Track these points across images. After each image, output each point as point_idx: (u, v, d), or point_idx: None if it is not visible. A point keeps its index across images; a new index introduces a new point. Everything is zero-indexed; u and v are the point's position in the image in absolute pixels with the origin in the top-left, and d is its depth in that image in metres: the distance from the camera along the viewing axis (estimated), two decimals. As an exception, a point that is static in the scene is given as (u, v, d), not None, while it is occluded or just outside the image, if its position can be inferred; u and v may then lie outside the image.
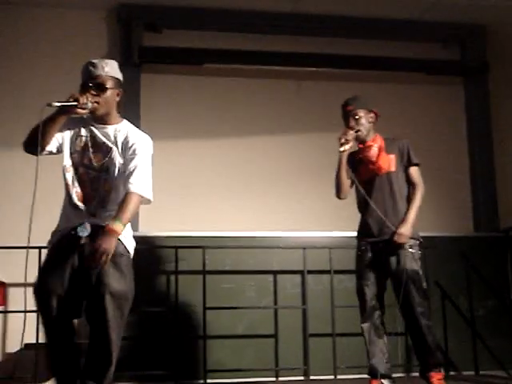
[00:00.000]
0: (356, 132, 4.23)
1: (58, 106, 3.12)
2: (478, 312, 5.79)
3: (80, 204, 3.27)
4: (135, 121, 5.94)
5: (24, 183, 5.79)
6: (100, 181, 3.27)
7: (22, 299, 5.34)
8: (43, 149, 3.27)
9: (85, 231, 3.19)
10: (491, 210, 6.42)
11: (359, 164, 4.34)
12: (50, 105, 3.09)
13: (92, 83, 3.25)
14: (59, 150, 3.36)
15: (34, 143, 3.20)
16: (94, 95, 3.22)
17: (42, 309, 3.16)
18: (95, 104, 3.21)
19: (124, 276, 3.18)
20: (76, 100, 3.11)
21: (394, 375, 5.47)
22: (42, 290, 3.18)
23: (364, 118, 4.29)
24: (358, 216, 6.11)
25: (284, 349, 5.51)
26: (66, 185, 3.34)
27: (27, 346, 5.26)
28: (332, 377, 5.45)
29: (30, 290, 5.21)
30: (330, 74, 6.54)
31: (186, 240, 5.43)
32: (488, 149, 6.57)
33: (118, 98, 3.37)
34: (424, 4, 6.19)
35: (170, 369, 5.21)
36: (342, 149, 4.18)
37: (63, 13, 6.12)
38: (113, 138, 3.32)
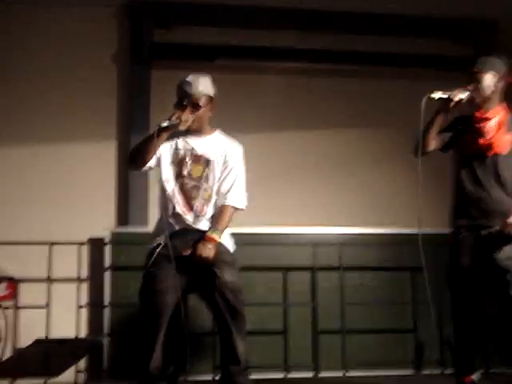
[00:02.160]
0: (467, 92, 3.70)
1: (167, 126, 3.40)
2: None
3: (181, 213, 3.54)
4: (145, 117, 5.99)
5: (35, 179, 5.87)
6: (200, 190, 3.56)
7: (33, 294, 5.43)
8: (145, 164, 3.56)
9: (186, 238, 3.50)
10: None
11: (468, 133, 3.82)
12: (159, 126, 3.40)
13: (188, 102, 3.52)
14: (157, 165, 3.62)
15: (138, 160, 3.53)
16: (190, 113, 3.51)
17: (153, 306, 3.40)
18: (190, 120, 3.51)
19: (232, 269, 3.52)
20: (179, 118, 3.43)
21: (404, 372, 5.51)
22: (153, 289, 3.41)
23: (487, 82, 3.76)
24: (368, 212, 6.19)
25: (293, 345, 5.52)
26: (167, 195, 3.57)
27: (38, 341, 5.31)
28: (341, 373, 5.45)
29: (42, 285, 5.31)
30: (341, 71, 6.51)
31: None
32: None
33: (210, 114, 3.65)
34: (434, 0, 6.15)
35: (179, 364, 5.21)
36: (432, 95, 3.72)
37: (73, 9, 6.11)
38: (209, 149, 3.61)
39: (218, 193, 3.60)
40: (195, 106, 3.53)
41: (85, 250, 5.62)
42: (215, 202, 3.59)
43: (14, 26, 6.08)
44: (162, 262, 3.44)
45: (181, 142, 3.62)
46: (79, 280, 5.32)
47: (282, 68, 6.40)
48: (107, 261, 5.49)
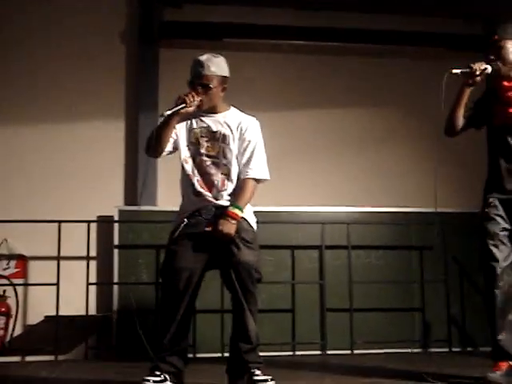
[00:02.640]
0: (490, 63, 3.58)
1: (171, 113, 3.42)
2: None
3: (202, 190, 3.53)
4: (153, 96, 5.99)
5: (45, 158, 5.89)
6: (219, 167, 3.55)
7: (42, 272, 5.47)
8: (162, 151, 3.59)
9: (209, 213, 3.50)
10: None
11: (497, 105, 3.68)
12: (162, 115, 3.44)
13: (197, 83, 3.52)
14: (175, 148, 3.63)
15: (155, 149, 3.57)
16: (199, 93, 3.49)
17: (173, 283, 3.40)
18: (200, 102, 3.49)
19: (251, 248, 3.45)
20: (184, 101, 3.42)
21: (412, 350, 5.54)
22: (174, 267, 3.41)
23: (509, 50, 3.65)
24: (376, 191, 6.19)
25: (301, 323, 5.56)
26: (187, 175, 3.57)
27: (47, 318, 5.35)
28: (349, 352, 5.49)
29: (51, 263, 5.35)
30: (353, 49, 6.49)
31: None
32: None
33: (222, 93, 3.61)
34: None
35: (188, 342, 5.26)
36: (453, 71, 3.57)
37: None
38: (224, 125, 3.61)
39: (237, 167, 3.59)
40: (205, 87, 3.52)
41: (94, 227, 5.65)
42: (236, 177, 3.58)
43: (28, 5, 6.08)
44: (183, 240, 3.46)
45: (195, 122, 3.62)
46: (88, 258, 5.34)
47: (290, 46, 6.37)
48: (116, 239, 5.52)
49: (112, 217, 5.57)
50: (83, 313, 5.27)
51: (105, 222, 5.70)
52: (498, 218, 3.63)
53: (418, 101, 6.46)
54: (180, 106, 3.41)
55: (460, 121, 3.73)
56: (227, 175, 3.56)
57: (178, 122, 3.57)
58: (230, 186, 3.56)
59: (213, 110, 3.61)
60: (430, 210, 5.81)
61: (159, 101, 6.03)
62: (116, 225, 5.54)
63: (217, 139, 3.58)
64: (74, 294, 5.31)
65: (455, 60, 6.32)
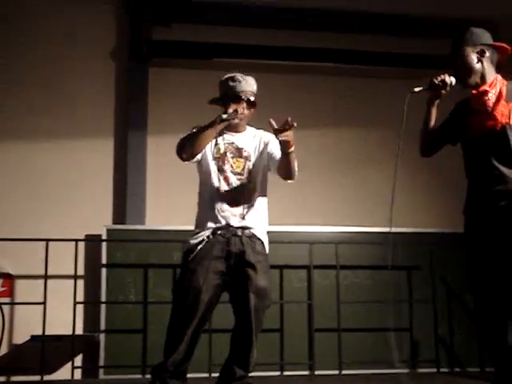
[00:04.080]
0: (449, 77, 3.46)
1: (227, 118, 3.41)
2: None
3: (227, 207, 3.48)
4: (143, 115, 5.99)
5: (33, 175, 5.87)
6: (243, 184, 3.53)
7: (29, 291, 5.43)
8: (197, 155, 3.52)
9: (229, 232, 3.45)
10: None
11: (471, 116, 3.50)
12: (220, 117, 3.40)
13: (245, 98, 3.56)
14: (201, 160, 3.57)
15: (192, 150, 3.48)
16: (244, 107, 3.53)
17: (185, 303, 3.35)
18: (243, 116, 3.53)
19: (265, 273, 3.44)
20: (236, 111, 3.44)
21: (399, 371, 5.52)
22: (188, 286, 3.36)
23: (468, 58, 3.47)
24: (364, 211, 6.20)
25: (289, 343, 5.54)
26: (212, 190, 3.52)
27: (34, 338, 5.31)
28: (337, 372, 5.47)
29: (38, 282, 5.31)
30: (340, 70, 6.52)
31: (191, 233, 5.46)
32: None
33: (253, 112, 3.67)
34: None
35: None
36: (415, 89, 3.52)
37: (73, 5, 6.12)
38: (248, 143, 3.62)
39: (260, 185, 3.61)
40: (251, 103, 3.57)
41: (81, 246, 5.62)
42: (259, 194, 3.59)
43: (13, 22, 6.09)
44: (200, 259, 3.39)
45: (220, 138, 3.58)
46: (76, 277, 5.31)
47: (278, 66, 6.40)
48: (104, 257, 5.49)
49: (100, 235, 5.55)
50: (70, 332, 5.23)
51: (93, 241, 5.68)
52: (479, 233, 3.44)
53: (411, 122, 6.47)
54: (234, 113, 3.42)
55: (433, 138, 3.67)
56: (252, 191, 3.54)
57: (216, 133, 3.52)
58: (253, 204, 3.54)
59: (237, 129, 3.62)
60: (418, 229, 5.87)
61: (148, 120, 6.04)
62: (104, 244, 5.52)
63: (242, 156, 3.57)
64: (61, 313, 5.27)
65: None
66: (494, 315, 3.40)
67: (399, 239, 5.81)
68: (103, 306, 5.40)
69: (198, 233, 3.49)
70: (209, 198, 3.51)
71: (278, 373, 5.47)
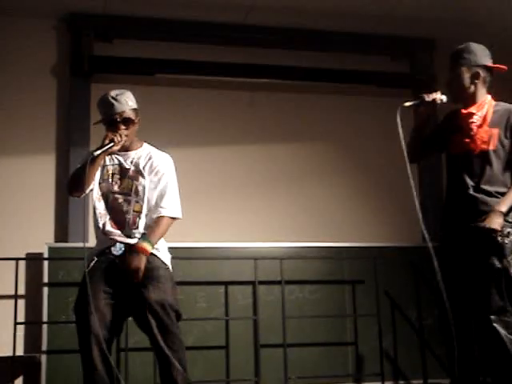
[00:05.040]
0: (441, 95, 3.56)
1: (101, 153, 3.37)
2: (426, 321, 5.87)
3: (113, 229, 3.46)
4: (85, 131, 5.92)
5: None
6: (130, 204, 3.49)
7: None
8: (84, 192, 3.50)
9: (119, 250, 3.43)
10: (439, 220, 6.50)
11: (454, 133, 3.62)
12: (93, 155, 3.37)
13: (120, 119, 3.49)
14: (93, 187, 3.55)
15: (79, 187, 3.45)
16: (123, 129, 3.48)
17: (83, 327, 3.30)
18: (125, 138, 3.47)
19: (162, 286, 3.37)
20: (112, 140, 3.38)
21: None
22: (83, 309, 3.30)
23: (463, 77, 3.57)
24: (308, 226, 6.23)
25: (235, 360, 5.51)
26: (98, 214, 3.52)
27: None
28: (283, 387, 5.47)
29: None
30: (282, 86, 6.57)
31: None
32: (436, 159, 6.64)
33: (137, 127, 3.60)
34: (375, 17, 6.26)
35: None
36: (405, 104, 3.53)
37: (12, 20, 6.02)
38: (137, 163, 3.56)
39: (149, 203, 3.52)
40: (128, 123, 3.51)
41: (22, 265, 5.51)
42: (147, 214, 3.51)
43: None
44: (91, 279, 3.33)
45: (108, 159, 3.57)
46: (16, 296, 5.20)
47: (222, 82, 6.41)
48: (45, 276, 5.39)
49: (42, 254, 5.44)
50: (10, 354, 5.10)
51: (34, 260, 5.57)
52: (450, 253, 3.57)
53: (351, 136, 6.57)
54: (109, 145, 3.37)
55: (421, 144, 3.72)
56: (139, 212, 3.48)
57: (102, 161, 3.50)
58: (142, 224, 3.48)
59: (127, 147, 3.57)
60: (362, 244, 5.93)
61: (91, 136, 5.96)
62: (46, 262, 5.42)
63: (129, 177, 3.53)
64: (1, 334, 5.16)
65: (384, 97, 6.55)
66: (462, 327, 3.52)
67: (344, 253, 5.88)
68: (45, 326, 5.29)
69: (90, 253, 3.50)
70: (98, 220, 3.51)
71: (224, 390, 5.45)
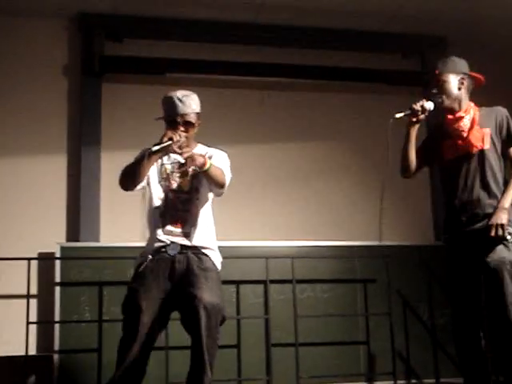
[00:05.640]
0: (433, 97, 3.69)
1: (158, 149, 3.33)
2: (438, 320, 5.85)
3: (173, 229, 3.49)
4: (96, 131, 5.93)
5: (4, 194, 5.76)
6: (191, 202, 3.53)
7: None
8: (136, 186, 3.53)
9: (174, 250, 3.45)
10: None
11: (445, 139, 3.76)
12: (150, 150, 3.33)
13: (181, 121, 3.49)
14: (147, 183, 3.58)
15: (134, 182, 3.49)
16: (183, 131, 3.47)
17: (132, 325, 3.30)
18: (184, 139, 3.43)
19: (214, 289, 3.41)
20: (171, 139, 3.34)
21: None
22: (134, 306, 3.32)
23: (451, 84, 3.72)
24: (320, 225, 6.22)
25: (246, 359, 5.51)
26: (159, 213, 3.52)
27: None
28: (295, 387, 5.46)
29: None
30: (293, 84, 6.56)
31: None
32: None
33: (196, 130, 3.61)
34: (386, 15, 6.25)
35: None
36: (397, 115, 3.65)
37: (23, 21, 6.04)
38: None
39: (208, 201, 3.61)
40: (189, 126, 3.52)
41: (34, 264, 5.52)
42: (206, 211, 3.58)
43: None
44: (144, 278, 3.38)
45: (166, 157, 3.60)
46: (28, 296, 5.21)
47: (233, 81, 6.41)
48: (57, 276, 5.40)
49: (53, 253, 5.46)
50: (23, 353, 5.12)
51: (46, 259, 5.58)
52: (457, 255, 3.68)
53: (362, 135, 6.56)
54: (167, 143, 3.35)
55: (413, 161, 3.81)
56: (197, 211, 3.54)
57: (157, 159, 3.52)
58: (201, 222, 3.54)
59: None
60: (373, 243, 5.91)
61: (102, 135, 5.98)
62: (58, 262, 5.43)
63: (188, 175, 3.55)
64: (13, 334, 5.17)
65: (395, 95, 6.54)
66: (470, 326, 3.63)
67: (355, 252, 5.86)
68: (57, 326, 5.30)
69: (144, 252, 3.50)
70: (154, 217, 3.52)
71: (235, 389, 5.45)
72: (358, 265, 5.87)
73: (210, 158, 3.56)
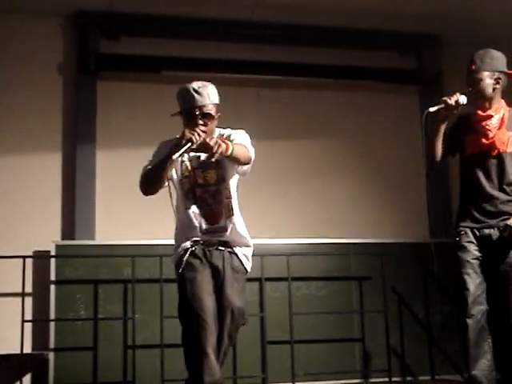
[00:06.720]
0: (468, 94, 3.61)
1: (179, 155, 3.11)
2: (434, 317, 5.86)
3: (209, 226, 3.33)
4: (91, 129, 5.93)
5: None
6: (221, 193, 3.35)
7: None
8: (159, 190, 3.33)
9: (212, 246, 3.32)
10: (446, 216, 6.48)
11: (471, 133, 3.72)
12: (171, 158, 3.12)
13: (199, 113, 3.26)
14: (168, 183, 3.37)
15: (156, 188, 3.30)
16: (202, 124, 3.24)
17: (195, 314, 3.17)
18: (203, 135, 3.15)
19: (242, 293, 3.36)
20: (190, 140, 3.09)
21: (352, 381, 5.55)
22: (194, 293, 3.20)
23: (486, 83, 3.64)
24: (315, 223, 6.22)
25: (242, 356, 5.50)
26: (192, 213, 3.32)
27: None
28: (290, 384, 5.47)
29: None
30: (289, 82, 6.56)
31: (142, 248, 5.42)
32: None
33: (216, 123, 3.37)
34: (382, 14, 6.24)
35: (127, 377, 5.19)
36: (431, 109, 3.60)
37: (19, 18, 6.04)
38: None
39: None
40: (208, 118, 3.29)
41: (29, 263, 5.52)
42: (236, 201, 3.45)
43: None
44: (194, 266, 3.26)
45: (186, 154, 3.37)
46: (23, 294, 5.21)
47: (229, 79, 6.40)
48: (52, 274, 5.40)
49: (49, 251, 5.45)
50: (18, 351, 5.12)
51: (42, 257, 5.58)
52: (470, 247, 3.66)
53: (358, 132, 6.56)
54: (187, 146, 3.10)
55: (439, 153, 3.77)
56: (230, 198, 3.40)
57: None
58: (236, 208, 3.43)
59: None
60: (368, 240, 5.92)
61: (97, 133, 5.98)
62: (53, 260, 5.43)
63: (212, 166, 3.34)
64: (8, 332, 5.17)
65: (391, 93, 6.55)
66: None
67: (351, 249, 5.87)
68: (52, 324, 5.30)
69: (181, 244, 3.35)
70: (192, 219, 3.33)
71: (231, 386, 5.45)
72: (353, 262, 5.88)
73: (228, 138, 3.36)
